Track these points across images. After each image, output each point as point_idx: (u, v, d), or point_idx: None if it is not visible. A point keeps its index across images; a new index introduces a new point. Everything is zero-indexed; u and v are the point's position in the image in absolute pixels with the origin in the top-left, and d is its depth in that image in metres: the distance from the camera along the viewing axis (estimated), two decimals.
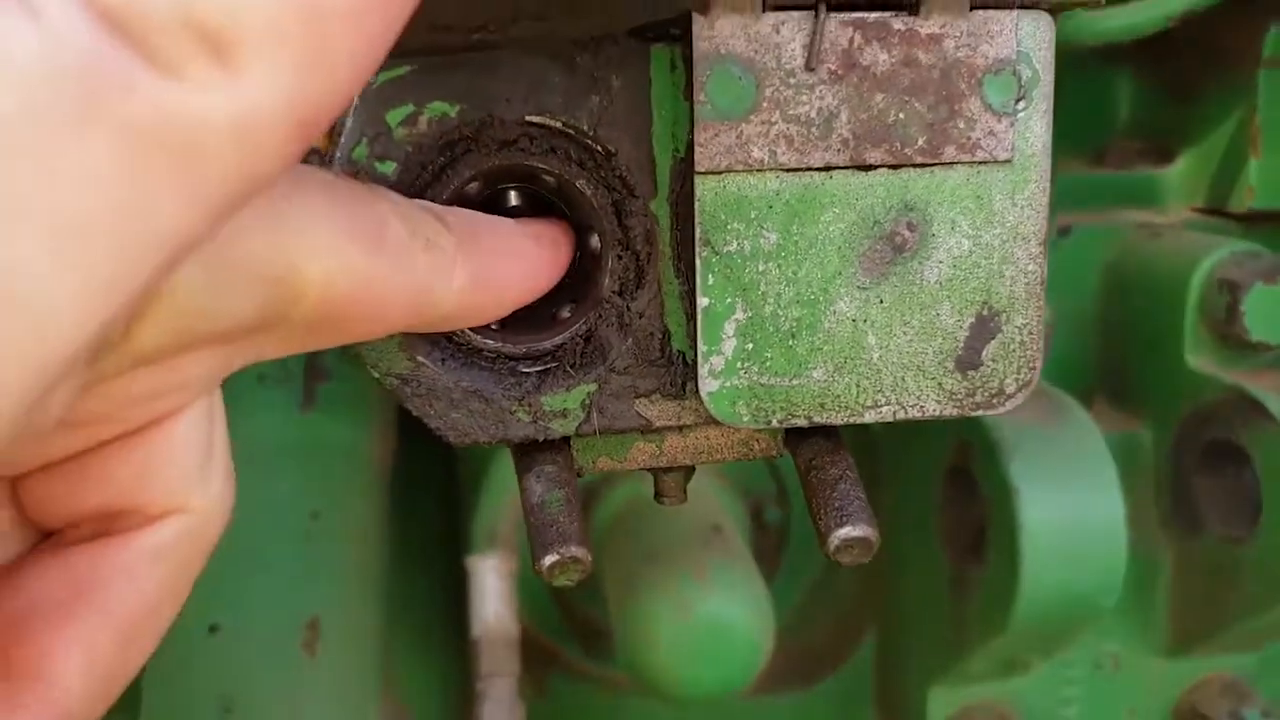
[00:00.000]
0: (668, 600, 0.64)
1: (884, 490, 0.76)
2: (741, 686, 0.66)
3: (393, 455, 0.82)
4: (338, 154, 0.35)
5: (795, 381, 0.37)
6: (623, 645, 0.68)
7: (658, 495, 0.44)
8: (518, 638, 0.76)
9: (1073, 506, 0.61)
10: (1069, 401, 0.66)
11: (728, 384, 0.37)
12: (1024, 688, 0.74)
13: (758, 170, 0.35)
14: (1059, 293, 0.74)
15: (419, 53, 0.34)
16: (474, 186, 0.37)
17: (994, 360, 0.38)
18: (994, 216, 0.37)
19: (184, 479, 0.25)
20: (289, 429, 0.77)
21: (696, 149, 0.35)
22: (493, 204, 0.39)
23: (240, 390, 0.78)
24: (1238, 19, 0.74)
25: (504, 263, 0.32)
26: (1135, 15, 0.70)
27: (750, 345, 0.37)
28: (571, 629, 0.87)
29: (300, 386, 0.78)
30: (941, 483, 0.71)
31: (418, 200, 0.31)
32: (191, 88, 0.19)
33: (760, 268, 0.36)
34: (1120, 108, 0.87)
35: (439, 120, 0.35)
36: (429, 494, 0.91)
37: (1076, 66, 0.78)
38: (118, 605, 0.23)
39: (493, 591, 0.76)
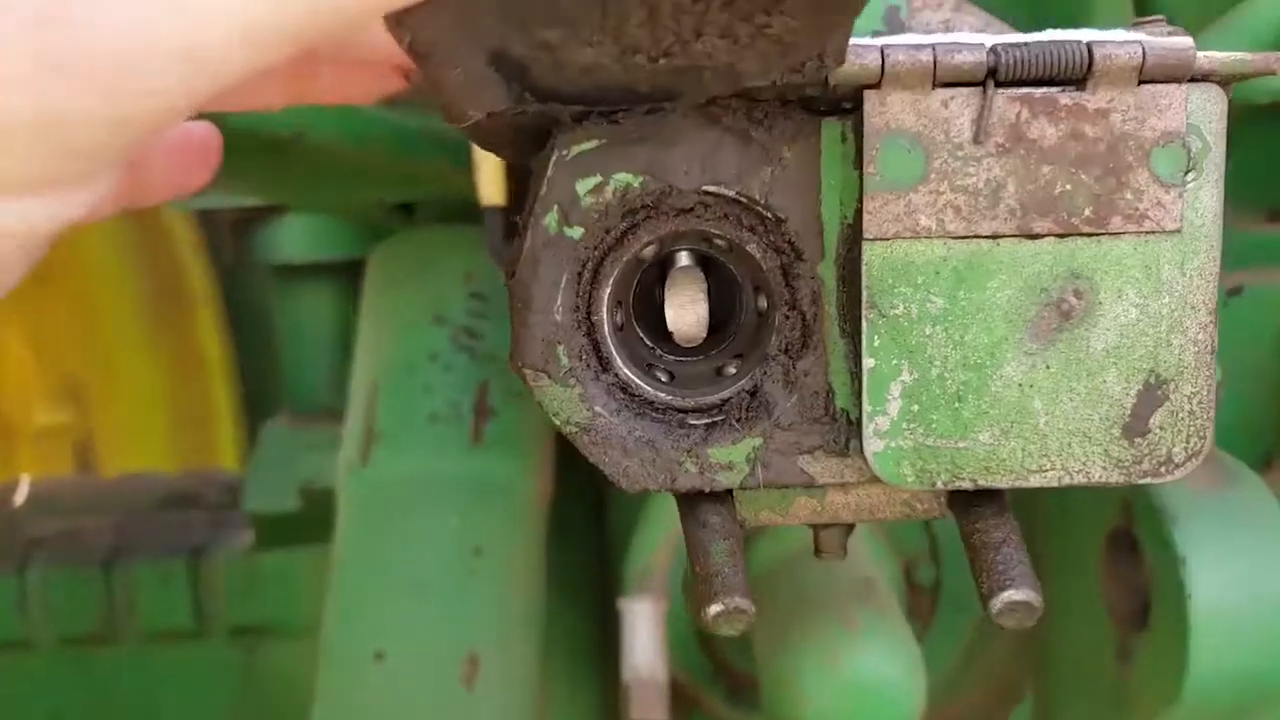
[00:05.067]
0: (816, 652, 0.65)
1: (1043, 548, 0.75)
2: None
3: (551, 495, 0.85)
4: (531, 220, 0.38)
5: (961, 444, 0.38)
6: (769, 696, 0.68)
7: (817, 551, 0.45)
8: (667, 684, 0.77)
9: (1247, 577, 0.58)
10: (1240, 466, 0.63)
11: (893, 444, 0.38)
12: None
13: (925, 238, 0.37)
14: (1230, 354, 0.71)
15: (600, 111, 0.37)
16: (650, 249, 0.40)
17: (1162, 428, 0.38)
18: (1162, 286, 0.37)
19: None
20: (457, 465, 0.81)
21: (865, 217, 0.36)
22: (666, 263, 0.41)
23: (411, 427, 0.82)
24: None
25: None
26: None
27: (916, 407, 0.38)
28: (717, 676, 0.88)
29: (469, 425, 0.82)
30: (1103, 544, 0.69)
31: None
32: None
33: (927, 331, 0.37)
34: None
35: (623, 190, 0.38)
36: (579, 533, 0.93)
37: (1249, 120, 0.75)
38: None
39: (644, 636, 0.78)
